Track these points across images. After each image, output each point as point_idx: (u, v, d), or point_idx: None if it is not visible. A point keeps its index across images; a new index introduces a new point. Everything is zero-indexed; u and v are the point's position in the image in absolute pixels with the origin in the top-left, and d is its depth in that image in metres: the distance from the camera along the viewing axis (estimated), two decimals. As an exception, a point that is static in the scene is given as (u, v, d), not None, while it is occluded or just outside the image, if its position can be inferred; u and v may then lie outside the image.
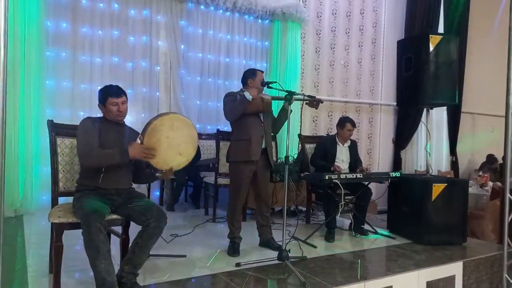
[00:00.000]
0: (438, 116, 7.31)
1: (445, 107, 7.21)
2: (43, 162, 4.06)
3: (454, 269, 3.00)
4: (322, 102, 3.29)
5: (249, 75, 3.13)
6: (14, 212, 3.93)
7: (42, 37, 4.19)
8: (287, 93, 2.70)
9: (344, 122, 3.90)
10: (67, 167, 2.53)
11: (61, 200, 2.53)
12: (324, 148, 3.96)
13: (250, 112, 2.99)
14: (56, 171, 2.48)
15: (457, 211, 3.54)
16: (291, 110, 2.88)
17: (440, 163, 7.46)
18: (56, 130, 2.53)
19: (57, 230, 2.18)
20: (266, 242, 3.22)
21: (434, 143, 7.23)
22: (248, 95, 2.88)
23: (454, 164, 7.67)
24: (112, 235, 2.64)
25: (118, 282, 2.15)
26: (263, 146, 3.10)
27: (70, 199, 2.43)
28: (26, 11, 3.99)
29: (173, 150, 2.39)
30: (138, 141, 2.29)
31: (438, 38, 3.62)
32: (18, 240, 3.21)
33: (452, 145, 7.59)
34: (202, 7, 5.23)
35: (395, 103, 4.40)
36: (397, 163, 7.13)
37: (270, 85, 2.89)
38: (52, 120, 2.55)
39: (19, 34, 3.95)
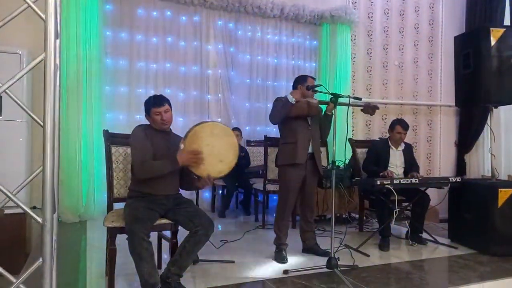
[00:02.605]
0: (507, 116, 6.72)
1: (515, 106, 6.62)
2: (105, 169, 4.29)
3: (526, 283, 2.71)
4: (378, 109, 3.19)
5: (299, 81, 3.13)
6: (78, 217, 4.20)
7: (102, 46, 4.45)
8: (332, 96, 2.63)
9: (394, 124, 3.72)
10: (121, 174, 2.66)
11: (118, 205, 2.66)
12: (376, 152, 3.80)
13: (295, 115, 2.97)
14: (111, 178, 2.62)
15: (529, 219, 3.21)
16: (332, 114, 2.84)
17: (511, 167, 6.83)
18: (111, 139, 2.68)
19: (111, 234, 2.30)
20: (310, 248, 3.18)
21: (503, 145, 6.63)
22: (291, 98, 2.87)
23: (527, 168, 6.99)
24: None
25: (164, 281, 2.23)
26: (310, 150, 3.06)
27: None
28: (87, 23, 4.27)
29: (214, 157, 2.42)
30: (181, 146, 2.35)
31: (501, 31, 3.34)
32: (81, 244, 3.43)
33: (524, 147, 6.92)
34: (250, 17, 5.30)
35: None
36: (460, 167, 6.63)
37: (316, 88, 2.87)
38: (107, 130, 2.70)
39: (81, 45, 4.23)
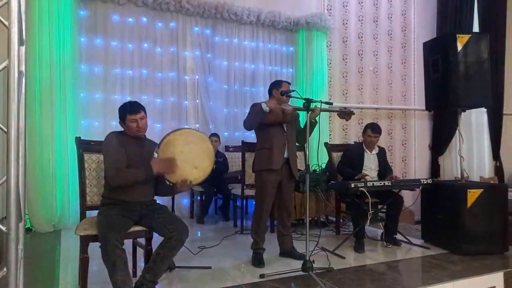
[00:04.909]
0: (478, 119, 6.95)
1: (485, 110, 6.84)
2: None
3: (494, 280, 2.81)
4: (353, 114, 3.24)
5: (274, 86, 3.15)
6: (52, 227, 4.11)
7: (76, 53, 4.38)
8: (304, 101, 2.68)
9: (365, 128, 3.82)
10: (94, 182, 2.63)
11: (91, 213, 2.61)
12: (350, 155, 3.88)
13: (270, 122, 2.99)
14: (84, 186, 2.58)
15: (497, 218, 3.33)
16: (316, 121, 2.89)
17: (483, 168, 7.05)
18: (84, 146, 2.65)
19: (83, 243, 2.27)
20: (287, 252, 3.20)
21: (475, 147, 6.85)
22: (264, 106, 2.89)
23: (499, 170, 7.22)
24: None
25: None
26: (285, 155, 3.09)
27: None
28: (61, 30, 4.20)
29: (188, 164, 2.43)
30: (155, 154, 2.35)
31: (466, 37, 3.48)
32: (55, 254, 3.36)
33: (495, 149, 7.16)
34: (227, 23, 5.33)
35: (428, 108, 4.24)
36: (435, 170, 6.82)
37: (290, 94, 2.91)
38: (79, 137, 2.67)
39: (55, 52, 4.16)
